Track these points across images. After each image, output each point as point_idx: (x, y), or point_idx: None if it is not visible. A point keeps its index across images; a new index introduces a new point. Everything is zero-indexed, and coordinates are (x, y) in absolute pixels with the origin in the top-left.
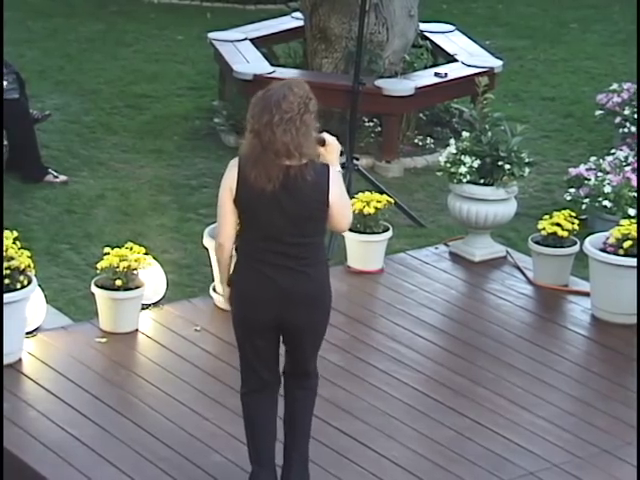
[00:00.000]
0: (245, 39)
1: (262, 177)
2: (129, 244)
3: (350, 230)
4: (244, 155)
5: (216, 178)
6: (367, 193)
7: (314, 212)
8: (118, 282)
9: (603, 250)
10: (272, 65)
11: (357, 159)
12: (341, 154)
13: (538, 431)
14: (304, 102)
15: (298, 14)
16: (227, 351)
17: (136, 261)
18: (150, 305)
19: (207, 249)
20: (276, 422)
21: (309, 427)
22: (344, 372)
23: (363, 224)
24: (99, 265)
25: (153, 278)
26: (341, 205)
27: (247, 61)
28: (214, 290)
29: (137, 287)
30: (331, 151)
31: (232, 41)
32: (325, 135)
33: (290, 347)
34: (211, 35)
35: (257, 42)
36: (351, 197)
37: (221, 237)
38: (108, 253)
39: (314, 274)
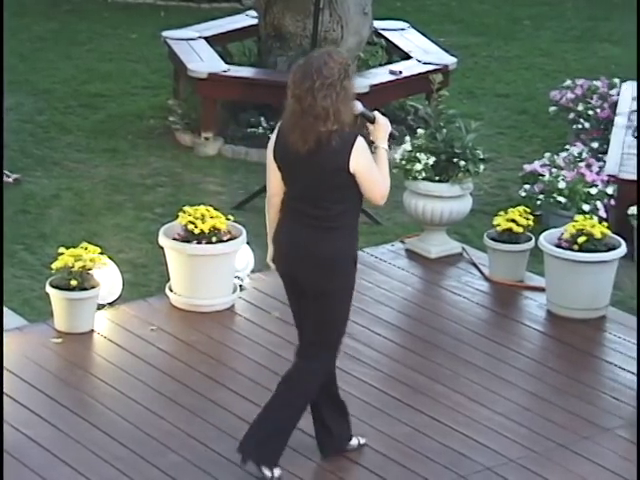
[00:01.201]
0: (199, 37)
1: (299, 140)
2: (84, 244)
3: None
4: (284, 119)
5: (171, 177)
6: None
7: (334, 179)
8: (73, 282)
9: (558, 246)
10: (226, 63)
11: None
12: (392, 137)
13: (495, 427)
14: (344, 68)
15: (252, 12)
16: (183, 350)
17: (91, 261)
18: (106, 305)
19: (163, 248)
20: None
21: (294, 399)
22: None
23: None
24: (54, 265)
25: (108, 278)
26: (367, 175)
27: (201, 59)
28: (170, 289)
29: (92, 287)
30: (379, 129)
31: (186, 40)
32: (376, 114)
33: (306, 314)
34: (165, 34)
35: (211, 40)
36: None
37: (268, 192)
38: (63, 253)
39: (332, 238)
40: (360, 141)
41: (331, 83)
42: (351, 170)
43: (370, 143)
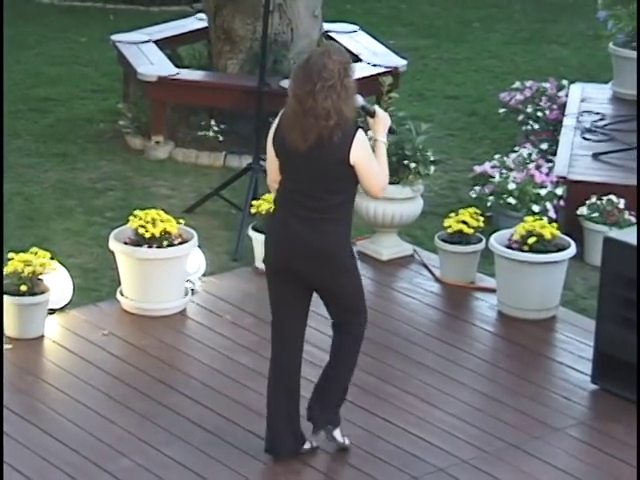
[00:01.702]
0: (149, 41)
1: (298, 138)
2: (34, 249)
3: (257, 231)
4: (285, 115)
5: (122, 181)
6: None
7: (336, 171)
8: (23, 287)
9: (508, 247)
10: (176, 67)
11: (264, 160)
12: (391, 131)
13: (447, 428)
14: (343, 67)
15: (202, 15)
16: (134, 354)
17: (41, 266)
18: (56, 310)
19: (113, 252)
20: (296, 377)
21: (345, 375)
22: (254, 374)
23: None
24: (4, 270)
25: (59, 283)
26: (366, 167)
27: (151, 63)
28: (121, 293)
29: (43, 292)
30: (378, 123)
31: (136, 43)
32: (376, 108)
33: (329, 308)
34: (114, 37)
35: (161, 44)
36: (257, 199)
37: (268, 180)
38: (12, 258)
39: (329, 230)
40: (360, 134)
41: (332, 85)
42: (351, 162)
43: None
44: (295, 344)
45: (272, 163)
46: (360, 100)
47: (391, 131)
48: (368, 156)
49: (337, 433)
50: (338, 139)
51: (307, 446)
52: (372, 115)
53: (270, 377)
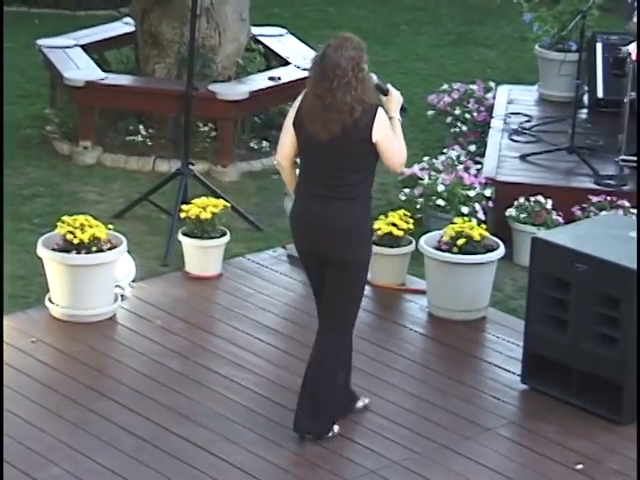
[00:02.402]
0: (75, 45)
1: (322, 130)
2: None
3: (186, 235)
4: (305, 106)
5: (49, 186)
6: (203, 198)
7: (358, 149)
8: None
9: (438, 248)
10: (104, 71)
11: (193, 164)
12: (403, 109)
13: (378, 429)
14: (356, 63)
15: (129, 19)
16: (64, 361)
17: None
18: None
19: (41, 259)
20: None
21: (331, 378)
22: (184, 378)
23: (200, 229)
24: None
25: None
26: (386, 143)
27: (78, 68)
28: (50, 300)
29: None
30: (392, 101)
31: (62, 47)
32: (389, 87)
33: (327, 286)
34: (40, 42)
35: (88, 48)
36: (187, 203)
37: (278, 155)
38: None
39: (350, 208)
40: (381, 112)
41: (347, 81)
42: (373, 140)
43: None
44: None
45: (287, 136)
46: (375, 79)
47: (403, 109)
48: (390, 134)
49: (359, 404)
50: (362, 123)
51: (361, 404)
52: (385, 93)
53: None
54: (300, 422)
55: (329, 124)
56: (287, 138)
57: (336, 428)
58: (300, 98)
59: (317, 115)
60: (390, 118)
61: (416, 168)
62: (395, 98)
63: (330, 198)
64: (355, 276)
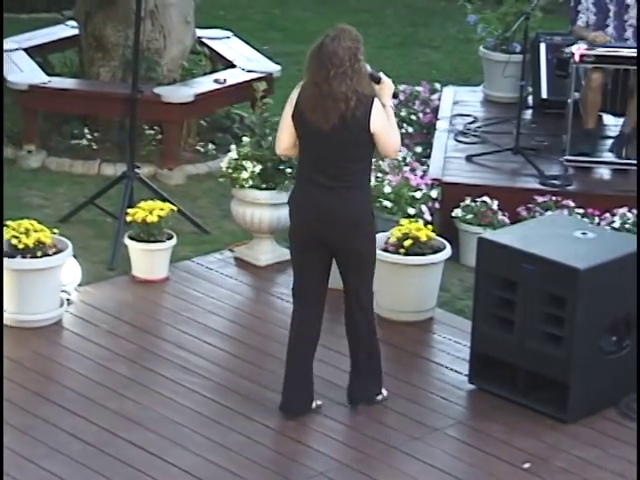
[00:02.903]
0: (18, 49)
1: (321, 119)
2: None
3: (132, 239)
4: (304, 97)
5: None
6: (150, 202)
7: (359, 140)
8: None
9: (385, 250)
10: (48, 75)
11: (138, 167)
12: (395, 96)
13: (327, 431)
14: (353, 53)
15: (73, 23)
16: (10, 367)
17: None
18: None
19: None
20: (314, 336)
21: (372, 345)
22: (132, 383)
23: (146, 233)
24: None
25: None
26: (383, 132)
27: (21, 71)
28: None
29: None
30: (384, 89)
31: (5, 51)
32: (382, 75)
33: (340, 269)
34: None
35: (31, 51)
36: (133, 207)
37: (279, 149)
38: None
39: (354, 197)
40: (377, 102)
41: (344, 71)
42: (371, 130)
43: None
44: (317, 310)
45: (285, 128)
46: (367, 68)
47: (394, 95)
48: (386, 122)
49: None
50: (360, 113)
51: (314, 405)
52: (378, 82)
53: (291, 340)
54: (356, 393)
55: (328, 113)
56: (285, 134)
57: (385, 392)
58: (296, 91)
59: (316, 104)
60: (383, 106)
61: None
62: (387, 86)
63: (333, 187)
64: (365, 261)
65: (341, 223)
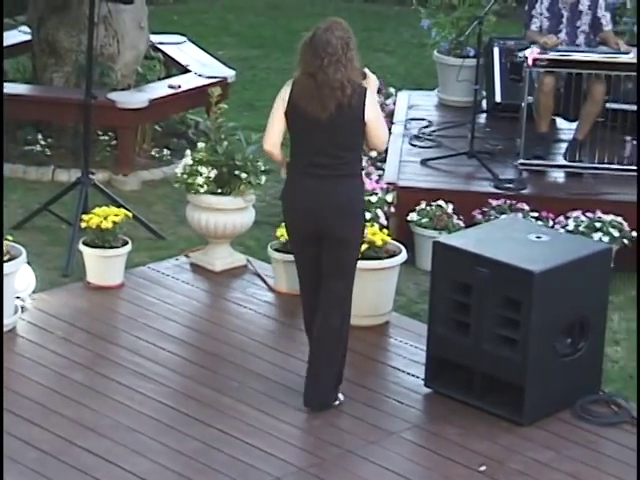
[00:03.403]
0: None
1: (318, 109)
2: None
3: (87, 245)
4: (299, 89)
5: None
6: (104, 207)
7: (353, 128)
8: None
9: None
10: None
11: (93, 173)
12: (379, 91)
13: (283, 436)
14: (345, 42)
15: (25, 28)
16: None
17: None
18: None
19: None
20: None
21: (333, 357)
22: (88, 390)
23: (101, 239)
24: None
25: None
26: (375, 123)
27: None
28: None
29: None
30: (369, 83)
31: None
32: (366, 70)
33: (325, 258)
34: None
35: None
36: (88, 213)
37: (267, 144)
38: None
39: (346, 185)
40: (369, 92)
41: (338, 59)
42: (366, 120)
43: None
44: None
45: (276, 123)
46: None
47: (378, 91)
48: (378, 114)
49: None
50: (355, 101)
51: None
52: (363, 77)
53: (306, 330)
54: (317, 396)
55: (325, 101)
56: (276, 128)
57: (341, 396)
58: (286, 87)
59: (312, 94)
60: None
61: None
62: (372, 80)
63: (328, 176)
64: (354, 246)
65: (336, 210)
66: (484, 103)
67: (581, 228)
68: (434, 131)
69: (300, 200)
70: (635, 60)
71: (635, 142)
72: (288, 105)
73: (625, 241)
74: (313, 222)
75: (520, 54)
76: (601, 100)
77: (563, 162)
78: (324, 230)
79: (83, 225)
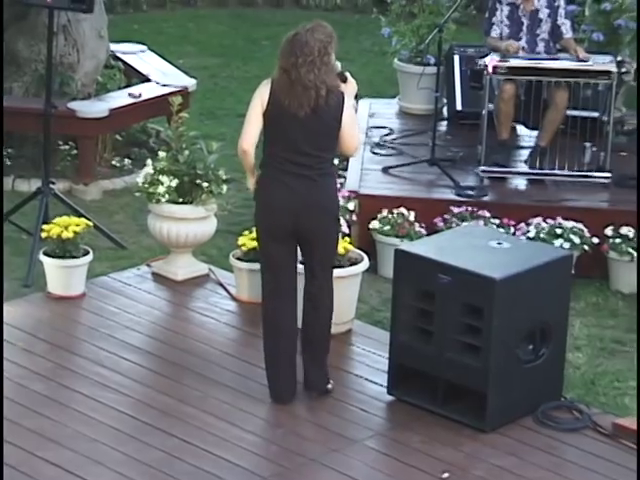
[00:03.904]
0: None
1: (295, 104)
2: None
3: (48, 255)
4: (277, 85)
5: None
6: (65, 217)
7: (331, 130)
8: None
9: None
10: None
11: (53, 183)
12: (356, 97)
13: (246, 445)
14: (323, 46)
15: None
16: None
17: None
18: None
19: None
20: (295, 326)
21: (327, 341)
22: (49, 401)
23: (62, 249)
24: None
25: None
26: (350, 127)
27: None
28: None
29: None
30: (349, 87)
31: None
32: (347, 74)
33: (306, 256)
34: None
35: None
36: (48, 223)
37: (245, 143)
38: None
39: (325, 183)
40: (347, 98)
41: (312, 60)
42: (342, 122)
43: None
44: (292, 295)
45: (253, 122)
46: (337, 66)
47: (356, 96)
48: (353, 118)
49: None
50: (333, 102)
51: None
52: (344, 81)
53: (268, 332)
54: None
55: (300, 99)
56: (253, 127)
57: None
58: (266, 85)
59: (288, 91)
60: None
61: None
62: (352, 85)
63: (307, 175)
64: (335, 242)
65: (315, 209)
66: (445, 111)
67: (542, 235)
68: (395, 139)
69: (279, 198)
70: (594, 67)
71: (595, 148)
72: (268, 102)
73: (586, 247)
74: (292, 220)
75: (480, 62)
76: (564, 108)
77: (524, 169)
78: (305, 229)
79: (44, 235)
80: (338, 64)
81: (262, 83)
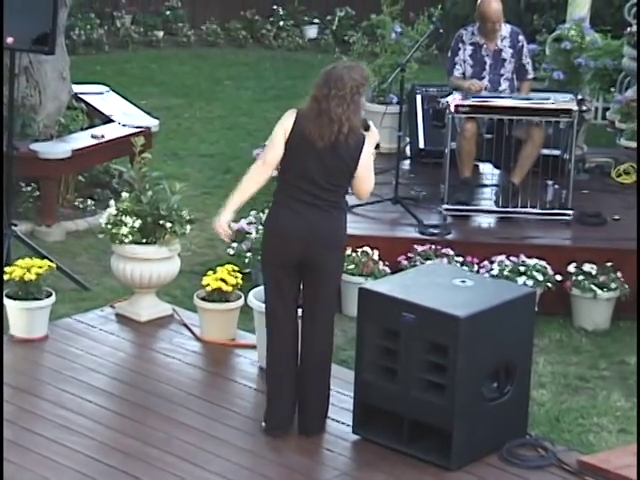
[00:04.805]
0: None
1: (316, 135)
2: None
3: (10, 297)
4: (304, 113)
5: None
6: (27, 259)
7: (347, 167)
8: None
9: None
10: None
11: (15, 225)
12: (377, 147)
13: None
14: (357, 86)
15: None
16: None
17: None
18: None
19: None
20: (297, 353)
21: (329, 370)
22: (12, 445)
23: (25, 291)
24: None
25: None
26: (365, 170)
27: None
28: None
29: None
30: (371, 136)
31: None
32: (370, 123)
33: (309, 287)
34: None
35: None
36: (11, 264)
37: (268, 157)
38: None
39: (336, 216)
40: (367, 142)
41: (343, 95)
42: (360, 163)
43: None
44: (296, 330)
45: (278, 145)
46: (362, 114)
47: (377, 146)
48: (370, 162)
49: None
50: (353, 142)
51: None
52: (367, 129)
53: (271, 363)
54: (312, 424)
55: (322, 129)
56: (277, 148)
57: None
58: (291, 114)
59: (314, 119)
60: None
61: (243, 222)
62: (374, 135)
63: (320, 206)
64: (338, 277)
65: (325, 238)
66: (408, 149)
67: (505, 272)
68: None
69: (290, 225)
70: (555, 106)
71: (557, 186)
72: (291, 130)
73: (549, 284)
74: (302, 248)
75: (442, 100)
76: (541, 145)
77: (487, 207)
78: (313, 258)
79: (6, 277)
80: (363, 113)
81: (287, 112)
